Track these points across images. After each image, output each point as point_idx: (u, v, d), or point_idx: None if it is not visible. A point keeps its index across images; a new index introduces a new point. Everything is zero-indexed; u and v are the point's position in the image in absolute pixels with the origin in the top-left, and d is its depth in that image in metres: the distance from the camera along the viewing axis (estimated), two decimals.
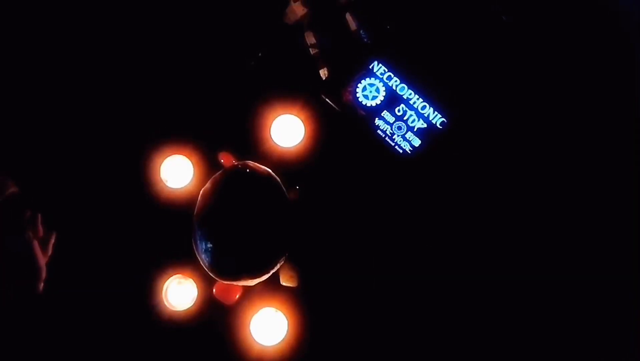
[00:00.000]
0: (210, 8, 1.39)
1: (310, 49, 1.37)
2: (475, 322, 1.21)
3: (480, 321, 1.21)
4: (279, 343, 1.12)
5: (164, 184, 1.21)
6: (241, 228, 1.09)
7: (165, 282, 1.17)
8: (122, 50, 1.36)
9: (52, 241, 1.12)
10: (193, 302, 1.17)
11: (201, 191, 1.14)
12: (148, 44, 1.37)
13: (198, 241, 1.11)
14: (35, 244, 1.07)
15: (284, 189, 1.16)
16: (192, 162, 1.22)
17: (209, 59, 1.37)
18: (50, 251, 1.11)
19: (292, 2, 1.36)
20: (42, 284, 1.07)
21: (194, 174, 1.22)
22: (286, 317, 1.13)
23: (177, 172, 1.22)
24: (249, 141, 1.24)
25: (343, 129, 1.27)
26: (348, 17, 1.36)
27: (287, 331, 1.12)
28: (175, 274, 1.18)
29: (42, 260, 1.08)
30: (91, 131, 1.32)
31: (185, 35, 1.37)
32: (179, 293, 1.18)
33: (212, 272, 1.11)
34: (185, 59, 1.36)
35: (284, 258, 1.13)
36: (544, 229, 1.24)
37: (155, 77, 1.35)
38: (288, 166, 1.22)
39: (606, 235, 1.23)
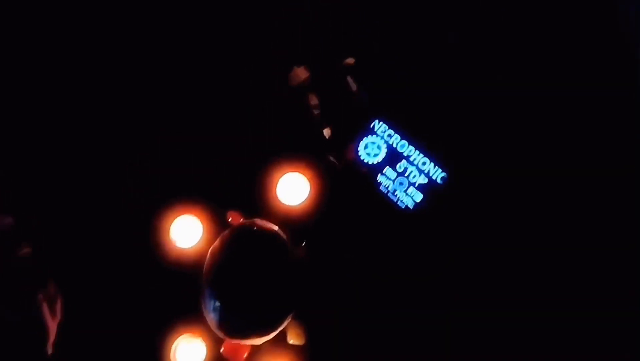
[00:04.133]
0: (212, 73, 1.46)
1: (313, 110, 1.43)
2: None
3: None
4: None
5: (174, 244, 1.24)
6: (249, 286, 1.11)
7: (174, 341, 1.18)
8: (123, 112, 1.41)
9: (60, 302, 1.13)
10: None
11: (210, 250, 1.17)
12: (152, 108, 1.42)
13: (207, 300, 1.12)
14: (45, 307, 1.09)
15: (291, 246, 1.18)
16: (201, 222, 1.25)
17: (215, 122, 1.43)
18: (59, 314, 1.12)
19: (295, 67, 1.44)
20: (51, 347, 1.08)
21: (203, 234, 1.24)
22: None
23: (186, 232, 1.25)
24: (255, 200, 1.27)
25: (347, 186, 1.31)
26: (349, 79, 1.43)
27: None
28: (184, 333, 1.19)
29: (53, 323, 1.09)
30: (99, 192, 1.36)
31: (188, 98, 1.44)
32: (188, 353, 1.18)
33: (220, 331, 1.12)
34: (191, 122, 1.42)
35: (291, 315, 1.14)
36: (549, 282, 1.24)
37: (161, 141, 1.40)
38: (294, 224, 1.25)
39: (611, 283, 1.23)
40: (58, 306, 1.12)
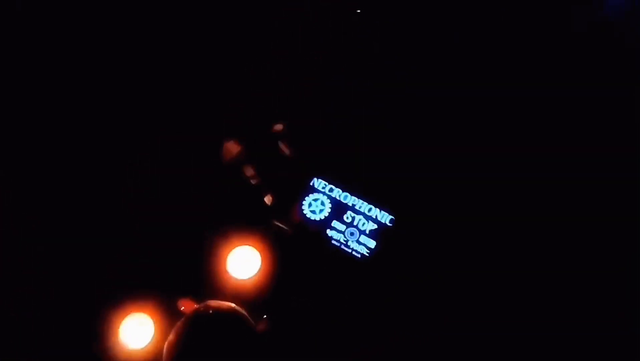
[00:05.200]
0: (146, 163, 1.43)
1: (251, 181, 1.41)
2: None
3: None
4: None
5: (124, 347, 1.13)
6: None
7: None
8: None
9: None
10: None
11: (165, 345, 1.08)
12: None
13: None
14: None
15: (252, 321, 1.11)
16: (151, 318, 1.16)
17: (157, 212, 1.38)
18: None
19: (225, 142, 1.43)
20: None
21: (155, 329, 1.15)
22: None
23: (136, 331, 1.15)
24: (206, 280, 1.21)
25: (299, 248, 1.28)
26: (280, 144, 1.44)
27: None
28: None
29: None
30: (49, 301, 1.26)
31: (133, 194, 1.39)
32: None
33: None
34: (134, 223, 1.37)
35: None
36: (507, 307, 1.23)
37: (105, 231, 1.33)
38: (251, 298, 1.19)
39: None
40: None
